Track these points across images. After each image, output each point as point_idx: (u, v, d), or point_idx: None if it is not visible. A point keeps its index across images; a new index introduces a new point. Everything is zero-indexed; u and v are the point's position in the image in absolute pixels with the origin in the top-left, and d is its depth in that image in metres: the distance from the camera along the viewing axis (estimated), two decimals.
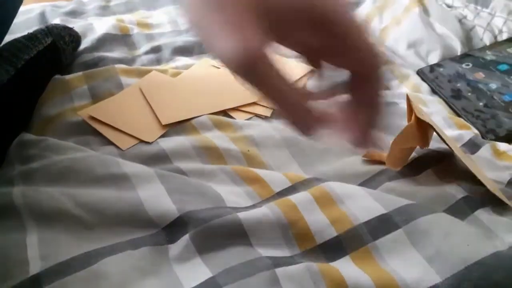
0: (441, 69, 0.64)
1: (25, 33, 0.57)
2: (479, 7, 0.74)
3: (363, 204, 0.38)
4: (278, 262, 0.34)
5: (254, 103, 0.55)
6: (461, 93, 0.59)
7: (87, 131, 0.50)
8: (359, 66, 0.27)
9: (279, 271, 0.33)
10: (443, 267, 0.33)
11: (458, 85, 0.60)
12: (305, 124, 0.26)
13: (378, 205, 0.38)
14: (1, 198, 0.39)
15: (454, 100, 0.58)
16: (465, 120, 0.56)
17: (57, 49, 0.58)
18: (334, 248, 0.36)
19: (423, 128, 0.46)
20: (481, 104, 0.58)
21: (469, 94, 0.59)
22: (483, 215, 0.41)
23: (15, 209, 0.38)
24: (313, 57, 0.29)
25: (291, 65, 0.63)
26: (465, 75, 0.62)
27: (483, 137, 0.53)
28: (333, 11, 0.25)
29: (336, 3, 0.25)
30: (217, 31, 0.23)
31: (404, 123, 0.50)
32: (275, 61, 0.24)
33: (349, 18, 0.25)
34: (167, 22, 0.73)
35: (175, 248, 0.36)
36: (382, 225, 0.37)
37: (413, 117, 0.46)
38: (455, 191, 0.43)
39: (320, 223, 0.38)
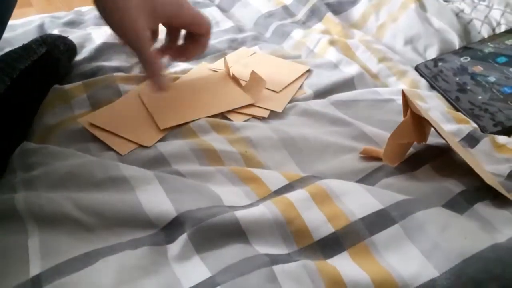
0: (444, 63, 0.63)
1: None
2: (476, 0, 0.74)
3: (359, 200, 0.38)
4: (275, 259, 0.35)
5: (252, 105, 0.56)
6: (466, 87, 0.58)
7: (88, 138, 0.51)
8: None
9: (277, 268, 0.33)
10: (441, 261, 0.33)
11: (463, 78, 0.60)
12: (158, 81, 0.50)
13: (375, 200, 0.38)
14: (3, 203, 0.40)
15: (460, 93, 0.58)
16: (466, 115, 0.55)
17: (52, 58, 0.59)
18: (331, 244, 0.36)
19: (420, 123, 0.46)
20: (480, 97, 0.57)
21: (469, 87, 0.59)
22: (482, 208, 0.41)
23: (17, 213, 0.39)
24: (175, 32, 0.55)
25: (290, 66, 0.63)
26: (467, 68, 0.62)
27: (483, 131, 0.53)
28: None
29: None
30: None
31: (401, 119, 0.50)
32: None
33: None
34: (164, 29, 0.73)
35: (173, 248, 0.37)
36: (379, 220, 0.37)
37: (408, 112, 0.46)
38: (453, 186, 0.43)
39: (317, 220, 0.38)
